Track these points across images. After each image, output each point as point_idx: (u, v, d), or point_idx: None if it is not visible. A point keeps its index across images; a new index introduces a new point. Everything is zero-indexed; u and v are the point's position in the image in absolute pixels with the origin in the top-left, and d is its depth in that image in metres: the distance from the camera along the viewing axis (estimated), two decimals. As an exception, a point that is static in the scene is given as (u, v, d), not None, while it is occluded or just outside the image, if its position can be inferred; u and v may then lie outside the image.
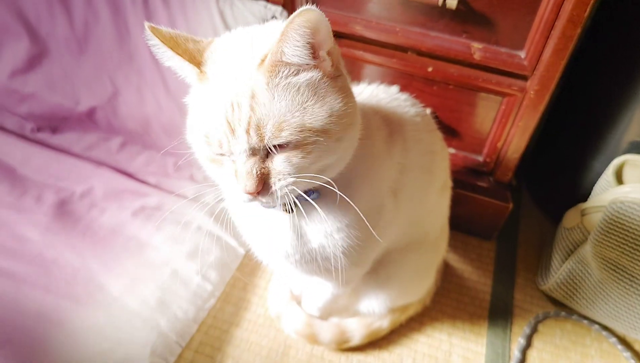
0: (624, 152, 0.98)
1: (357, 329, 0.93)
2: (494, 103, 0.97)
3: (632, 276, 0.88)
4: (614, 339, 0.97)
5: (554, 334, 1.00)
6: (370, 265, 0.77)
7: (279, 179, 0.49)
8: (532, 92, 0.90)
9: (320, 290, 0.85)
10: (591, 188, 1.00)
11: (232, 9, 1.08)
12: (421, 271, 0.91)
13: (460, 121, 1.03)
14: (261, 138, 0.47)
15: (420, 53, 0.96)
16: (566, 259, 0.99)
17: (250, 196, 0.50)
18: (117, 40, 1.18)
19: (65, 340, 0.85)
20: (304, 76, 0.49)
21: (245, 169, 0.49)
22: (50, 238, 1.00)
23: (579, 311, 1.01)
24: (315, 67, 0.49)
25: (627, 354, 0.94)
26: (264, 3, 1.03)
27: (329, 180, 0.52)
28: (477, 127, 1.03)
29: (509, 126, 0.98)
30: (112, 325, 0.88)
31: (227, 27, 1.07)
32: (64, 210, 1.06)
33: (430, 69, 0.95)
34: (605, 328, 0.99)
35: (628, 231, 0.84)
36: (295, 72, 0.48)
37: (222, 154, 0.50)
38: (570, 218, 1.01)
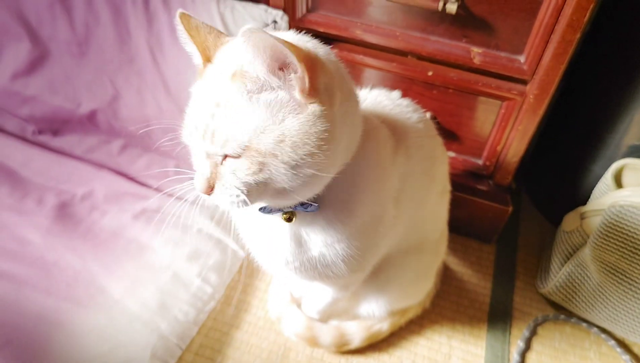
0: (624, 156, 0.98)
1: (357, 332, 0.93)
2: (494, 107, 0.97)
3: (631, 279, 0.88)
4: (612, 342, 0.97)
5: (553, 337, 1.00)
6: (370, 270, 0.77)
7: (225, 188, 0.50)
8: (531, 96, 0.91)
9: (320, 293, 0.85)
10: (590, 192, 1.01)
11: (232, 13, 1.08)
12: (421, 274, 0.91)
13: (460, 125, 1.04)
14: (213, 144, 0.49)
15: (420, 57, 0.96)
16: (565, 262, 0.99)
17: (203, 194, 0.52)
18: (117, 42, 1.18)
19: (65, 342, 0.85)
20: (266, 95, 0.47)
21: (199, 169, 0.51)
22: (51, 240, 1.00)
23: (578, 314, 1.02)
24: (283, 89, 0.47)
25: (626, 357, 0.95)
26: (265, 7, 1.04)
27: (302, 199, 0.52)
28: (476, 131, 1.03)
29: (508, 130, 0.98)
30: (112, 328, 0.88)
31: (228, 30, 1.07)
32: (64, 213, 1.06)
33: (430, 73, 0.96)
34: (604, 331, 0.99)
35: (627, 234, 0.84)
36: (258, 90, 0.47)
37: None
38: (570, 221, 1.01)
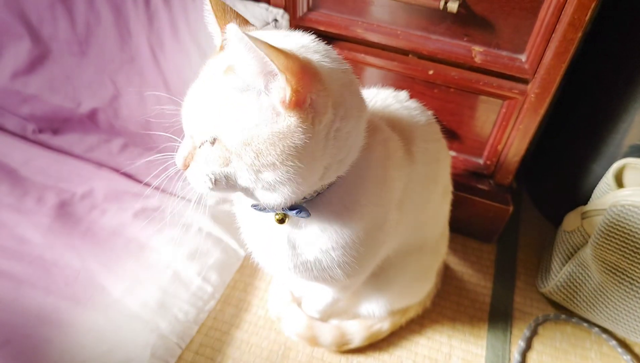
0: (625, 155, 0.98)
1: (357, 331, 0.93)
2: (495, 106, 0.97)
3: (632, 279, 0.88)
4: (613, 342, 0.97)
5: (554, 337, 1.00)
6: (370, 272, 0.76)
7: (195, 169, 0.52)
8: (532, 95, 0.90)
9: (320, 293, 0.85)
10: (591, 191, 1.01)
11: (233, 11, 1.08)
12: (421, 274, 0.91)
13: (460, 124, 1.04)
14: (190, 126, 0.52)
15: (421, 56, 0.96)
16: (566, 262, 0.99)
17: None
18: (118, 41, 1.18)
19: (65, 341, 0.85)
20: (248, 96, 0.47)
21: (182, 146, 0.54)
22: (50, 239, 1.00)
23: (579, 314, 1.01)
24: (266, 94, 0.46)
25: (627, 357, 0.94)
26: (266, 5, 1.04)
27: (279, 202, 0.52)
28: (477, 130, 1.03)
29: (509, 129, 0.98)
30: (112, 327, 0.88)
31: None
32: (64, 211, 1.06)
33: (431, 72, 0.96)
34: (605, 331, 0.99)
35: (628, 234, 0.84)
36: (243, 89, 0.47)
37: None
38: (571, 221, 1.01)
